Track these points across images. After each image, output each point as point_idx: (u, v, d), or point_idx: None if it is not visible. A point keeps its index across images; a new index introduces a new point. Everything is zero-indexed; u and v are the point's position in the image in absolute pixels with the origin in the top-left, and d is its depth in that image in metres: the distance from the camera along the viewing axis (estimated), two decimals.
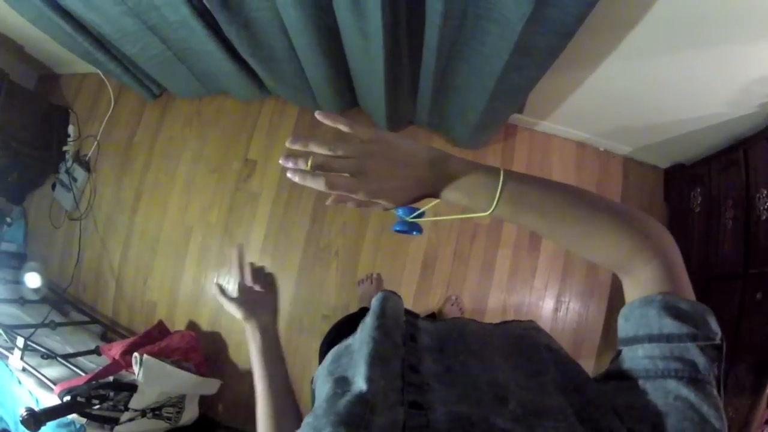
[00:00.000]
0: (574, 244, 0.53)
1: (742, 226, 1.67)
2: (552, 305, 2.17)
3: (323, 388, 0.53)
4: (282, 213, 2.29)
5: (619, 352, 0.48)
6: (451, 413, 0.42)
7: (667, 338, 0.43)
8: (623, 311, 0.50)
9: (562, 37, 1.24)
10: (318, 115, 0.55)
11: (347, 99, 2.17)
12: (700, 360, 0.41)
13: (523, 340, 0.61)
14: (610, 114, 1.98)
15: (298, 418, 0.69)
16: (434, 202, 0.59)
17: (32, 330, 1.89)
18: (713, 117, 1.74)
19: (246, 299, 0.81)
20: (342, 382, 0.51)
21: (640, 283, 0.50)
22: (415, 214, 0.70)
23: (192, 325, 2.30)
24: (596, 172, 2.26)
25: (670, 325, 0.43)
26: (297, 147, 0.53)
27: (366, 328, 0.60)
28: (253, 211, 2.32)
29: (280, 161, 0.54)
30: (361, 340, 0.59)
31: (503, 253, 2.17)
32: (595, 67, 1.62)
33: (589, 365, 2.13)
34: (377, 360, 0.51)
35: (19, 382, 1.76)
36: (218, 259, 2.33)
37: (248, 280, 0.86)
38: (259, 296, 0.85)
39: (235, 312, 0.79)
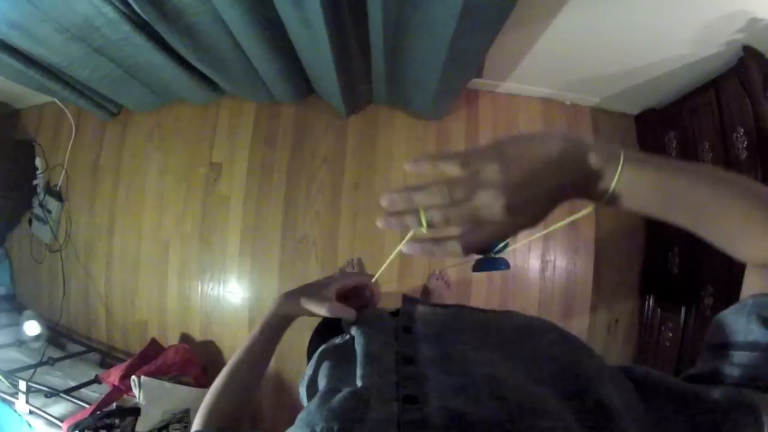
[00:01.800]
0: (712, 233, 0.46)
1: (722, 166, 1.65)
2: (538, 266, 2.17)
3: (317, 385, 0.53)
4: (254, 211, 2.28)
5: (705, 358, 0.45)
6: (447, 409, 0.41)
7: (751, 347, 0.40)
8: (716, 318, 0.46)
9: None
10: (408, 166, 0.44)
11: (302, 88, 2.15)
12: None
13: (525, 343, 0.55)
14: (573, 66, 1.95)
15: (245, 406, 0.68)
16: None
17: (32, 371, 1.89)
18: (681, 58, 1.72)
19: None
20: (335, 380, 0.51)
21: (761, 272, 0.45)
22: (498, 247, 0.58)
23: (185, 338, 2.30)
24: (565, 126, 2.24)
25: (756, 332, 0.40)
26: (397, 205, 0.43)
27: (353, 329, 0.61)
28: (225, 215, 2.30)
29: (379, 224, 0.43)
30: (348, 338, 0.60)
31: None
32: (551, 18, 1.58)
33: (584, 321, 2.15)
34: (368, 357, 0.51)
35: (30, 426, 1.78)
36: (199, 268, 2.32)
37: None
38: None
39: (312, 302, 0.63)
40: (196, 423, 0.64)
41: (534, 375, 0.47)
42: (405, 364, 0.50)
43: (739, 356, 0.40)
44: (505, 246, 0.57)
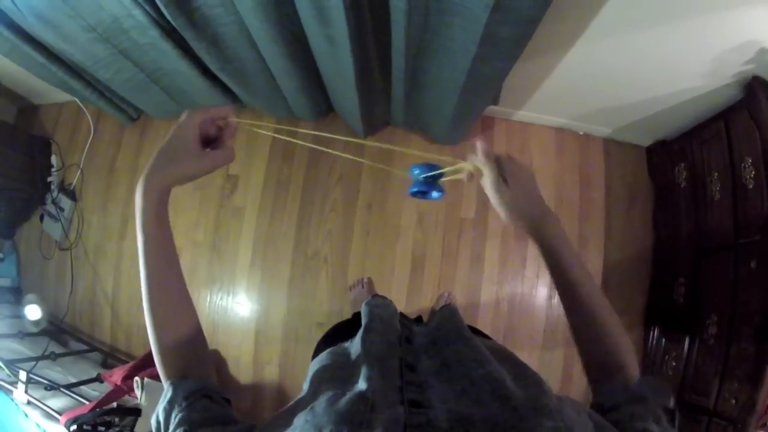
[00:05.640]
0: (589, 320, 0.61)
1: (730, 196, 1.67)
2: (545, 293, 2.17)
3: (321, 388, 0.53)
4: (267, 225, 2.29)
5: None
6: (451, 411, 0.42)
7: (633, 399, 0.50)
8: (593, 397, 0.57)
9: (527, 24, 1.23)
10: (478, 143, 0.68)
11: (322, 105, 2.17)
12: (659, 412, 0.48)
13: (506, 350, 0.64)
14: (587, 96, 1.97)
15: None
16: (459, 165, 0.66)
17: (34, 363, 1.89)
18: (691, 90, 1.74)
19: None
20: (341, 383, 0.51)
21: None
22: (433, 173, 0.66)
23: None
24: (577, 156, 2.27)
25: (637, 388, 0.52)
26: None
27: (361, 331, 0.62)
28: (238, 227, 2.31)
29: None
30: (357, 342, 0.60)
31: (492, 245, 2.18)
32: (567, 50, 1.61)
33: None
34: (374, 360, 0.52)
35: (26, 416, 1.77)
36: (208, 277, 2.32)
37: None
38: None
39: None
40: (162, 376, 0.58)
41: (523, 375, 0.50)
42: (408, 371, 0.52)
43: (625, 408, 0.49)
44: (441, 176, 0.67)
